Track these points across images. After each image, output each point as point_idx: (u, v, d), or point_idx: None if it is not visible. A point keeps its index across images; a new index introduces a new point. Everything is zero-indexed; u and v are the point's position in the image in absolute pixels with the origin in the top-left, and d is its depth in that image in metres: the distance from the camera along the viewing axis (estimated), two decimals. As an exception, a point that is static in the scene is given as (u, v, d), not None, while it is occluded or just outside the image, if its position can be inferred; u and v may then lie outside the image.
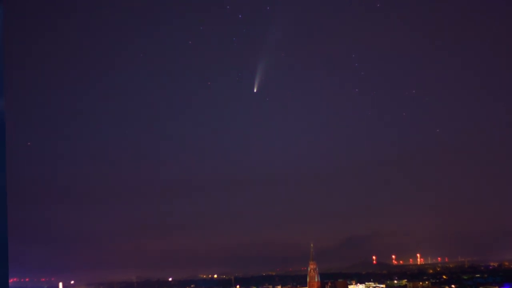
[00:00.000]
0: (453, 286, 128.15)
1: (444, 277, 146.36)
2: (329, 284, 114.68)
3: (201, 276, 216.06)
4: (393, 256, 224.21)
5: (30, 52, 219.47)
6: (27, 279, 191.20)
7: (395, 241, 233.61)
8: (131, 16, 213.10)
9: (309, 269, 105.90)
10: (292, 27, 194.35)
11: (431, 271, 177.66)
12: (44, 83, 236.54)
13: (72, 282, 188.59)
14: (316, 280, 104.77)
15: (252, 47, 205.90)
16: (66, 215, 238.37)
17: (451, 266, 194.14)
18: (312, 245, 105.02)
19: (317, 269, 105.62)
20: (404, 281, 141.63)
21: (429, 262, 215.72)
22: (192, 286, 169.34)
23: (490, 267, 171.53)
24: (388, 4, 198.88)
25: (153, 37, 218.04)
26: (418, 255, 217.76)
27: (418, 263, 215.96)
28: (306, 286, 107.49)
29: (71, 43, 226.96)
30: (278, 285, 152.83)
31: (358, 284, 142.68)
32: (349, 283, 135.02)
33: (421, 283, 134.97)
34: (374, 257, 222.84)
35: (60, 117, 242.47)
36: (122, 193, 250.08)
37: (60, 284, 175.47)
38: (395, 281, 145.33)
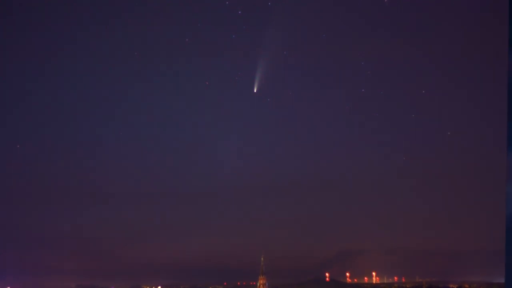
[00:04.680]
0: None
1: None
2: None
3: (144, 287, 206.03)
4: (347, 274, 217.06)
5: (19, 50, 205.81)
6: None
7: (350, 258, 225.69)
8: (123, 12, 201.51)
9: (258, 284, 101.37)
10: (295, 24, 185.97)
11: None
12: (34, 83, 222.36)
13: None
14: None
15: (252, 45, 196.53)
16: (1, 216, 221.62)
17: (408, 286, 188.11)
18: (262, 258, 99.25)
19: (267, 284, 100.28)
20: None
21: (385, 281, 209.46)
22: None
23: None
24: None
25: (148, 34, 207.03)
26: (373, 273, 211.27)
27: (374, 282, 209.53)
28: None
29: (63, 42, 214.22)
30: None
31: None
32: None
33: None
34: (327, 274, 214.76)
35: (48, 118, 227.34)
36: (72, 195, 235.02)
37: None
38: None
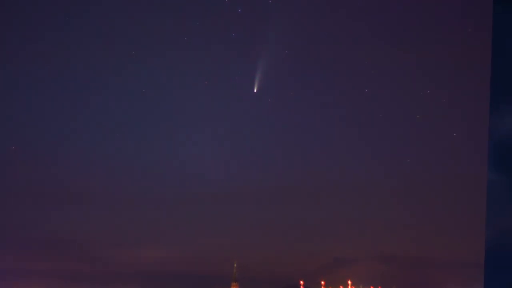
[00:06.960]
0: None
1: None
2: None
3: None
4: (322, 282, 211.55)
5: (12, 50, 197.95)
6: None
7: (328, 266, 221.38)
8: (119, 10, 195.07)
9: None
10: (296, 22, 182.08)
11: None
12: (27, 83, 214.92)
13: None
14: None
15: (252, 44, 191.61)
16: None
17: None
18: (235, 264, 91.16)
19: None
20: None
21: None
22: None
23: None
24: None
25: (145, 33, 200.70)
26: (349, 282, 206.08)
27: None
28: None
29: (57, 41, 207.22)
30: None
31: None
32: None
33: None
34: (301, 282, 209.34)
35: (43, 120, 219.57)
36: (46, 196, 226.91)
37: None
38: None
